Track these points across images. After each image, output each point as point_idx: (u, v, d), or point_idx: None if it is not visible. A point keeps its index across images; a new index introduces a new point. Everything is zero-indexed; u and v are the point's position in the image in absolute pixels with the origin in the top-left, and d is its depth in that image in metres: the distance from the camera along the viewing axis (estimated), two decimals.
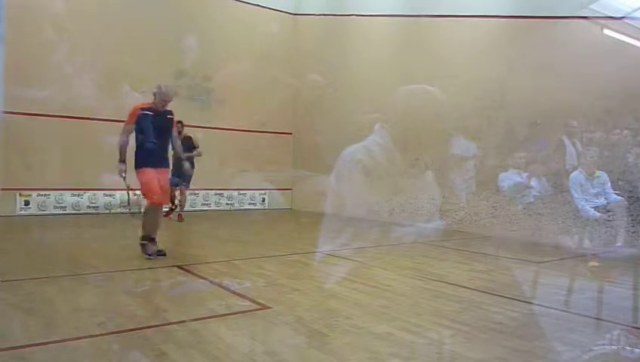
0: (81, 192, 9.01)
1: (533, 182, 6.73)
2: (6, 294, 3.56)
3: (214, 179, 10.26)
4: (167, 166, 5.19)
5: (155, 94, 4.96)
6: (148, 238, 4.91)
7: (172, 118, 5.08)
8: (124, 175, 4.83)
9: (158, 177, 4.90)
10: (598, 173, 5.79)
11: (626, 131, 5.97)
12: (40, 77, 8.50)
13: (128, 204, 5.48)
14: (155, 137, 4.90)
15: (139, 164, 4.87)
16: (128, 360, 2.48)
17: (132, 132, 4.89)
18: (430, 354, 2.68)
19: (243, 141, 10.55)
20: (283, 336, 2.79)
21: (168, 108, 5.05)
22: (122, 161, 4.83)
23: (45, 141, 8.44)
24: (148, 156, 4.87)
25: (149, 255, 4.84)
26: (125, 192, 5.27)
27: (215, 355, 2.47)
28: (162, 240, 5.10)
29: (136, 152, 4.90)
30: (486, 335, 2.86)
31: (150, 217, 4.91)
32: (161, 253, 4.92)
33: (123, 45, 9.05)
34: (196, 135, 8.55)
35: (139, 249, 4.96)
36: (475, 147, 7.64)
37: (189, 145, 7.99)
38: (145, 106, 4.93)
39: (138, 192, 5.01)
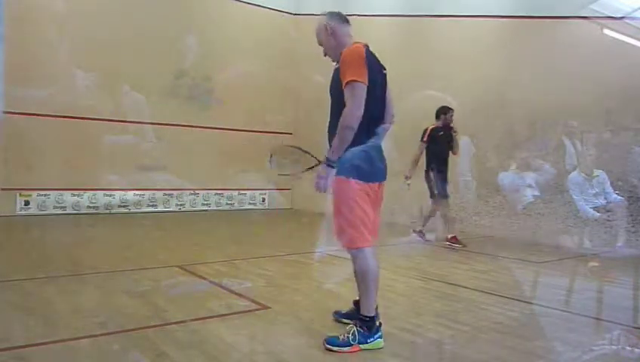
0: (81, 192, 9.00)
1: (531, 181, 6.74)
2: (6, 294, 3.56)
3: (214, 179, 10.27)
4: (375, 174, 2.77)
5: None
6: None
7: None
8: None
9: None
10: (596, 172, 5.78)
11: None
12: (40, 77, 8.48)
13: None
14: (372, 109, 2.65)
15: None
16: (128, 360, 2.48)
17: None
18: (430, 354, 2.68)
19: (243, 141, 10.54)
20: (283, 336, 2.79)
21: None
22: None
23: (45, 141, 8.43)
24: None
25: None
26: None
27: (215, 355, 2.47)
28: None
29: None
30: (486, 335, 2.86)
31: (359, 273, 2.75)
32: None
33: (123, 45, 9.04)
34: None
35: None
36: (475, 147, 7.63)
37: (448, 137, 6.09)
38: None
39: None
